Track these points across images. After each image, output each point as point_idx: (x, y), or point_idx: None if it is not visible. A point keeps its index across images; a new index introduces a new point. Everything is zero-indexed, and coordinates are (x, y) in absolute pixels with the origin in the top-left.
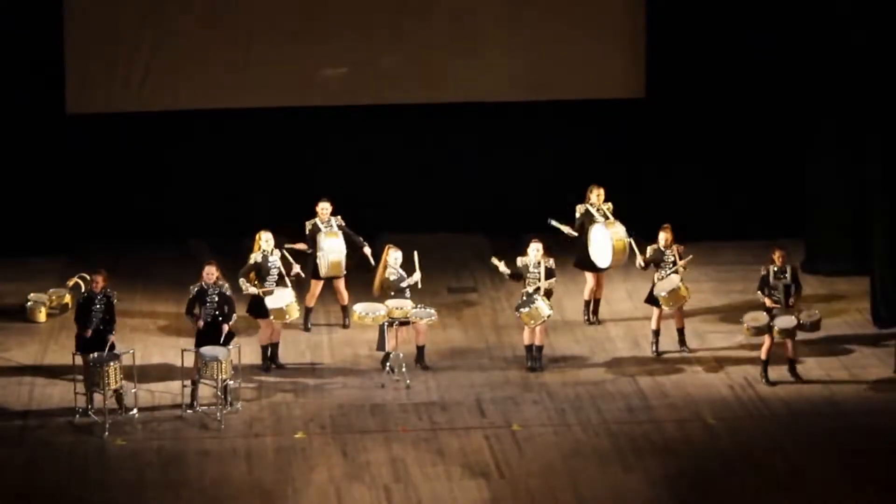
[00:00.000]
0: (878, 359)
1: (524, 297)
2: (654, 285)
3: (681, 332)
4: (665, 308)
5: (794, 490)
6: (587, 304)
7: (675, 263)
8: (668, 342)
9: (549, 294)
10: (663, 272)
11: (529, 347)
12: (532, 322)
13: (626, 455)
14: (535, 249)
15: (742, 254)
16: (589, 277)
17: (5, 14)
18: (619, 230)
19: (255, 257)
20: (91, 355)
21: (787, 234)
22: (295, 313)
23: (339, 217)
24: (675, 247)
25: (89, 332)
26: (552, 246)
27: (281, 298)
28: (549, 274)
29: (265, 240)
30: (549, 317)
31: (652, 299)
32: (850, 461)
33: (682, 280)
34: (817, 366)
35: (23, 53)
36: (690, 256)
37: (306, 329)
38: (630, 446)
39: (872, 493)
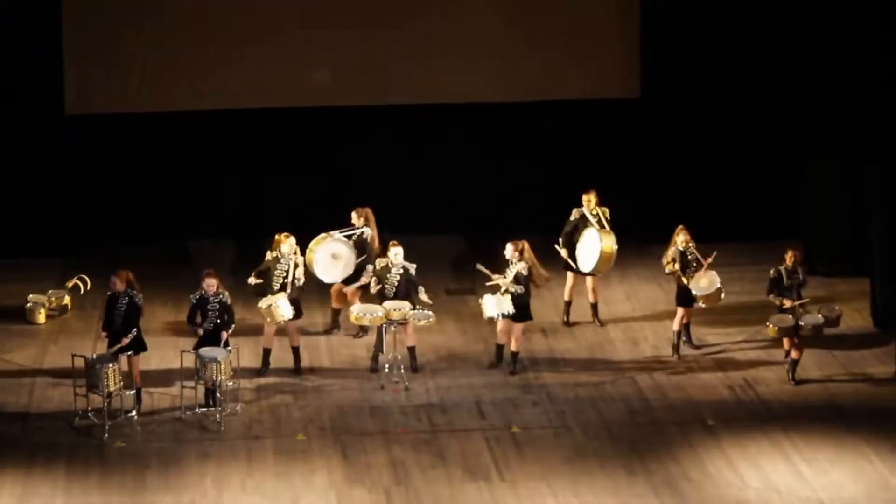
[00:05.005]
0: (878, 360)
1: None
2: (680, 286)
3: (687, 327)
4: (700, 305)
5: (793, 490)
6: (567, 304)
7: (697, 263)
8: (666, 343)
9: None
10: (687, 273)
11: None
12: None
13: (627, 457)
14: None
15: (739, 255)
16: (569, 277)
17: (4, 15)
18: (611, 240)
19: (268, 257)
20: (90, 356)
21: (785, 235)
22: (278, 318)
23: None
24: (692, 245)
25: (107, 335)
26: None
27: (270, 299)
28: (516, 279)
29: (286, 244)
30: (492, 317)
31: (684, 300)
32: (850, 462)
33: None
34: (817, 367)
35: (22, 55)
36: (714, 254)
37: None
38: (631, 448)
39: (871, 492)
